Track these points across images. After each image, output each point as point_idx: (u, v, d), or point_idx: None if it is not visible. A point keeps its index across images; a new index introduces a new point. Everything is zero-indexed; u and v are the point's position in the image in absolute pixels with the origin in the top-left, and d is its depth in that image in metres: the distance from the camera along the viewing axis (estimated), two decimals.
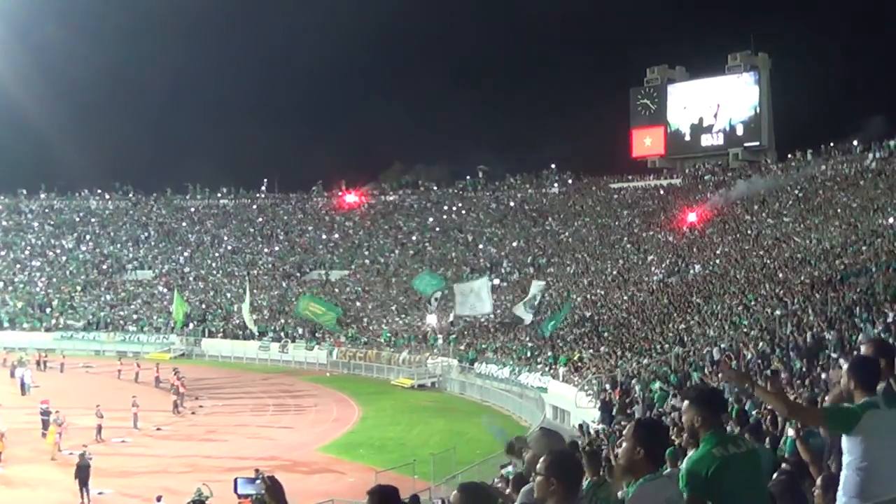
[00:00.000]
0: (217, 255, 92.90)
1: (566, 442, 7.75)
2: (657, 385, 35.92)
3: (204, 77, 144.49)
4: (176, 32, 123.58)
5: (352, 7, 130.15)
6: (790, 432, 7.63)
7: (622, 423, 28.20)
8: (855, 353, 26.82)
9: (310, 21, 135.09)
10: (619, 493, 5.83)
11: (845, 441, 6.01)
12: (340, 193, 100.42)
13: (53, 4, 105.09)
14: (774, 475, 6.82)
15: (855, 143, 71.24)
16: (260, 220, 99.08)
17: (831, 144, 72.85)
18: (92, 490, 32.26)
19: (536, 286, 60.02)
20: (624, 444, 5.60)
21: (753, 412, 17.56)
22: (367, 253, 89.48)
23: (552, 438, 7.27)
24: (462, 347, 61.15)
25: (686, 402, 5.96)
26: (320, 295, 75.70)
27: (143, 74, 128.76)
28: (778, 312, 39.59)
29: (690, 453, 6.17)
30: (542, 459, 5.57)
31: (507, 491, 9.43)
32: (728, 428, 10.83)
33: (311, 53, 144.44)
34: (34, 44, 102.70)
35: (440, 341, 63.65)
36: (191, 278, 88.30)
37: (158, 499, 27.70)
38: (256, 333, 72.26)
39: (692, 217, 72.08)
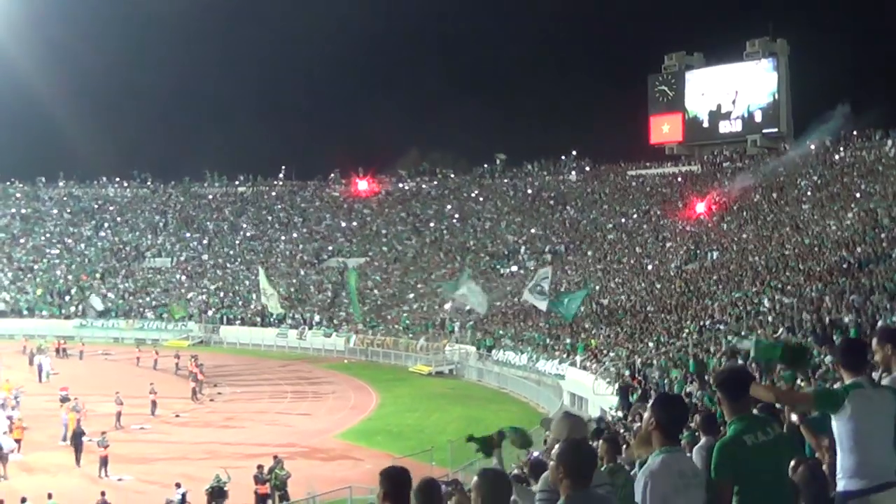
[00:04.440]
0: (235, 242, 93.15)
1: (587, 427, 7.73)
2: (675, 374, 35.88)
3: (222, 65, 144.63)
4: (192, 21, 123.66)
5: None
6: (794, 418, 7.64)
7: (640, 410, 28.19)
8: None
9: (328, 7, 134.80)
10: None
11: (834, 422, 6.10)
12: (358, 181, 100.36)
13: None
14: (793, 465, 6.84)
15: (856, 131, 70.96)
16: (278, 207, 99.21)
17: (853, 133, 72.25)
18: (111, 476, 32.59)
19: (542, 274, 59.01)
20: (644, 416, 5.72)
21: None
22: (384, 240, 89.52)
23: (572, 423, 7.28)
24: (480, 335, 61.18)
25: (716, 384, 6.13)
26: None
27: (161, 63, 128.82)
28: (796, 299, 39.45)
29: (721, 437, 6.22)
30: (556, 446, 5.63)
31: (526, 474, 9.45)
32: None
33: (330, 41, 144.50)
34: (51, 35, 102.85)
35: (457, 329, 63.72)
36: (209, 266, 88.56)
37: (178, 486, 27.84)
38: (280, 312, 72.16)
39: (706, 205, 71.80)
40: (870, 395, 5.97)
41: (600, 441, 9.45)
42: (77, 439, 34.91)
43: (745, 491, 5.59)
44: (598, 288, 61.52)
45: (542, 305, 56.59)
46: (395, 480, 5.55)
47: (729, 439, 5.76)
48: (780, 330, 34.80)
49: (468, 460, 29.70)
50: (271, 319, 73.45)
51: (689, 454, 8.86)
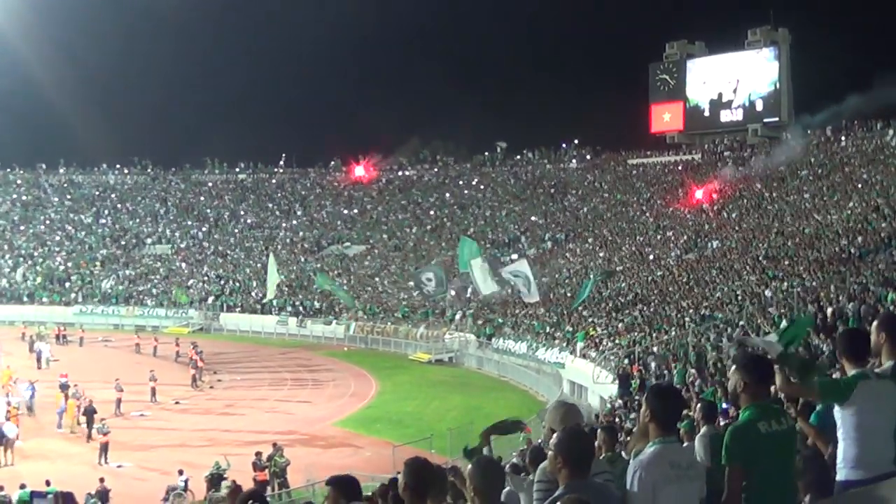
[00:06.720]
0: (235, 229, 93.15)
1: (582, 414, 7.69)
2: (676, 364, 35.86)
3: (222, 52, 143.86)
4: (192, 8, 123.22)
5: None
6: (790, 412, 7.63)
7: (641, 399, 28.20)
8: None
9: None
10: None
11: (838, 413, 6.07)
12: (357, 168, 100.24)
13: None
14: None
15: (857, 120, 70.87)
16: (278, 194, 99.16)
17: (854, 122, 72.08)
18: (111, 463, 32.66)
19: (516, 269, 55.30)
20: (642, 408, 5.71)
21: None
22: (384, 228, 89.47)
23: (565, 411, 7.25)
24: (480, 323, 61.17)
25: (733, 367, 6.06)
26: (335, 280, 74.52)
27: (161, 50, 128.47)
28: (797, 288, 39.44)
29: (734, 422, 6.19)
30: (554, 436, 5.60)
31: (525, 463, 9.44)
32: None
33: (331, 28, 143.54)
34: (51, 22, 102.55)
35: (458, 316, 63.68)
36: (209, 253, 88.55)
37: (180, 472, 27.88)
38: (272, 302, 71.93)
39: (708, 193, 71.70)
40: (875, 386, 5.96)
41: (598, 430, 9.45)
42: (89, 416, 36.28)
43: (752, 478, 5.57)
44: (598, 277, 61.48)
45: (531, 299, 55.21)
46: (420, 475, 5.49)
47: (742, 424, 5.74)
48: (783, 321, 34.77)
49: None
50: (273, 308, 73.30)
51: (687, 444, 8.86)
